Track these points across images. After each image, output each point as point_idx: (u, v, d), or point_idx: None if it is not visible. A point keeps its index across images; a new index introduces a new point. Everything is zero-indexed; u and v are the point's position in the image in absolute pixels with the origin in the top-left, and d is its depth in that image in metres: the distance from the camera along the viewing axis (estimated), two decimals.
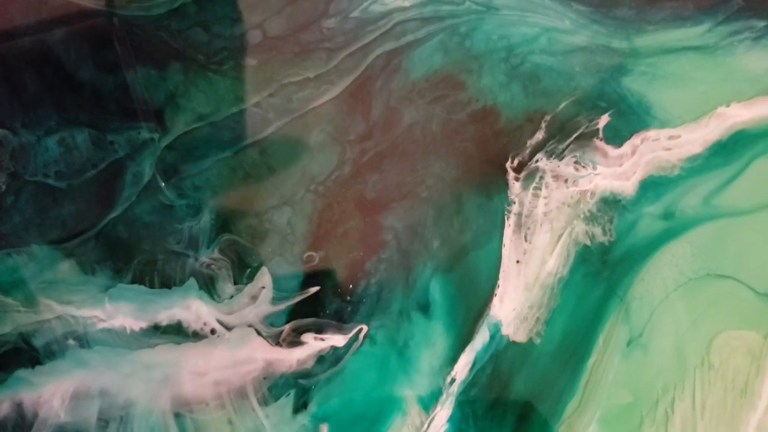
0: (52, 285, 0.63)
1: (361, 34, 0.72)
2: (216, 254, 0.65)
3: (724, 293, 0.68)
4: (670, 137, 0.72)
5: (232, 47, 0.71)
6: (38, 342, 0.61)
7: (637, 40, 0.75)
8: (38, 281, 0.63)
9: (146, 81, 0.70)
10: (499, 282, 0.66)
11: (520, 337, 0.65)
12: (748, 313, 0.67)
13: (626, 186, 0.70)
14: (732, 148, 0.72)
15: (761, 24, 0.76)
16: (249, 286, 0.64)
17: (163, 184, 0.67)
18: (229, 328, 0.63)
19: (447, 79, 0.72)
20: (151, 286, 0.63)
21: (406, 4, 0.74)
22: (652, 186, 0.70)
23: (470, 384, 0.64)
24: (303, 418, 0.62)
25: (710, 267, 0.69)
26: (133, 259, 0.64)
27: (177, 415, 0.61)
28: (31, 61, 0.67)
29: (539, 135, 0.70)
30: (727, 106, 0.74)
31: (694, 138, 0.73)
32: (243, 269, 0.64)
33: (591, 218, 0.69)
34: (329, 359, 0.63)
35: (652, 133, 0.71)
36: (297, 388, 0.63)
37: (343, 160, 0.68)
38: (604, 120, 0.71)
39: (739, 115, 0.74)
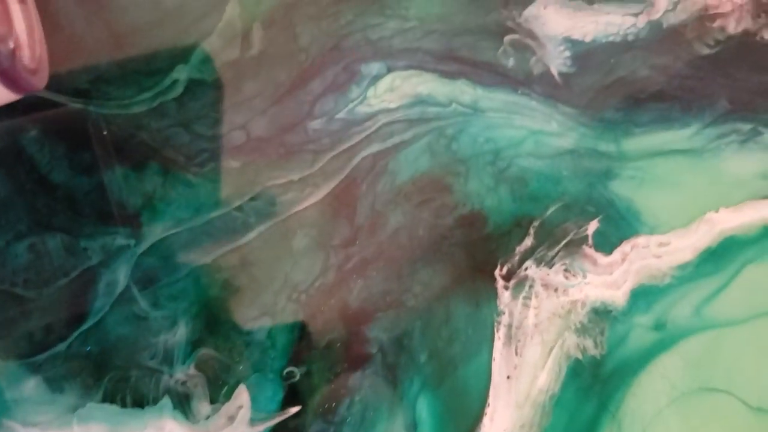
0: (17, 404, 0.60)
1: (347, 135, 0.72)
2: (192, 370, 0.63)
3: (717, 408, 0.68)
4: (660, 244, 0.72)
5: (214, 148, 0.70)
6: None
7: (624, 143, 0.76)
8: (1, 401, 0.60)
9: (123, 183, 0.68)
10: (490, 399, 0.65)
11: None
12: (741, 428, 0.66)
13: (617, 295, 0.69)
14: (722, 255, 0.72)
15: (747, 127, 0.78)
16: (226, 405, 0.62)
17: (138, 293, 0.64)
18: None
19: (433, 182, 0.72)
20: (123, 406, 0.61)
21: (393, 105, 0.73)
22: (642, 295, 0.70)
23: None
24: None
25: (702, 380, 0.68)
26: (104, 375, 0.62)
27: None
28: (1, 161, 0.64)
29: (528, 241, 0.70)
30: (716, 211, 0.74)
31: (684, 245, 0.72)
32: (220, 386, 0.63)
33: (582, 330, 0.68)
34: None
35: (641, 240, 0.71)
36: None
37: (327, 267, 0.67)
38: (593, 226, 0.71)
39: (728, 220, 0.75)
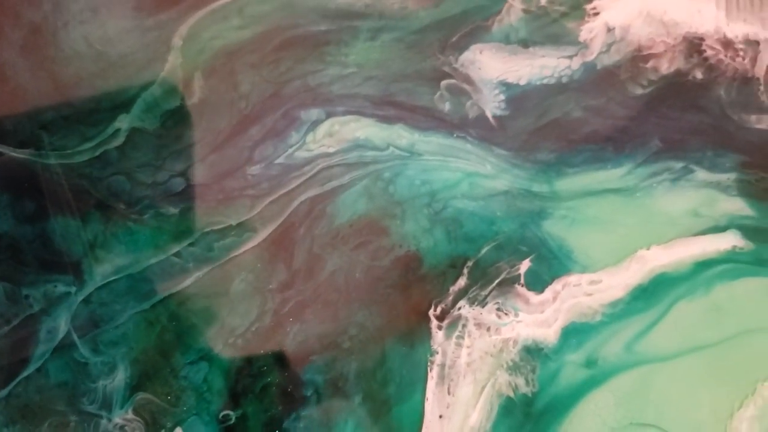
0: None
1: (285, 180, 0.78)
2: (130, 415, 0.69)
3: None
4: (591, 282, 0.78)
5: (154, 195, 0.76)
6: None
7: (557, 184, 0.82)
8: None
9: (65, 231, 0.74)
10: None
11: None
12: None
13: (548, 334, 0.76)
14: (653, 292, 0.79)
15: (679, 165, 0.85)
16: None
17: (78, 340, 0.70)
18: None
19: (371, 224, 0.78)
20: None
21: (331, 150, 0.80)
22: (574, 333, 0.76)
23: None
24: None
25: (633, 416, 0.74)
26: (44, 421, 0.67)
27: None
28: None
29: (461, 281, 0.76)
30: (648, 248, 0.81)
31: (615, 282, 0.79)
32: (158, 430, 0.67)
33: (514, 368, 0.74)
34: None
35: (573, 278, 0.78)
36: None
37: (264, 311, 0.73)
38: (525, 265, 0.77)
39: (659, 258, 0.81)
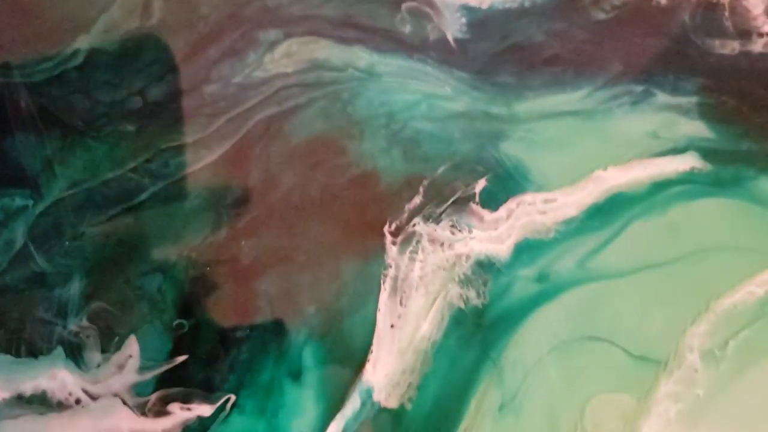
0: None
1: (242, 99, 0.81)
2: (85, 322, 0.72)
3: (598, 356, 0.76)
4: (546, 201, 0.81)
5: (112, 113, 0.79)
6: None
7: (516, 106, 0.85)
8: None
9: (24, 147, 0.77)
10: (373, 347, 0.73)
11: (392, 403, 0.72)
12: (622, 375, 0.76)
13: (501, 249, 0.78)
14: (608, 211, 0.81)
15: (640, 89, 0.87)
16: (116, 354, 0.71)
17: (35, 251, 0.72)
18: (94, 398, 0.69)
19: (328, 144, 0.80)
20: (18, 355, 0.69)
21: (289, 70, 0.82)
22: (527, 249, 0.78)
23: None
24: None
25: (584, 330, 0.77)
26: (0, 327, 0.69)
27: None
28: None
29: (417, 199, 0.78)
30: (605, 169, 0.82)
31: (570, 201, 0.81)
32: (111, 337, 0.71)
33: (466, 281, 0.77)
34: (195, 429, 0.68)
35: (527, 197, 0.80)
36: None
37: (219, 225, 0.76)
38: (480, 184, 0.80)
39: (616, 178, 0.83)
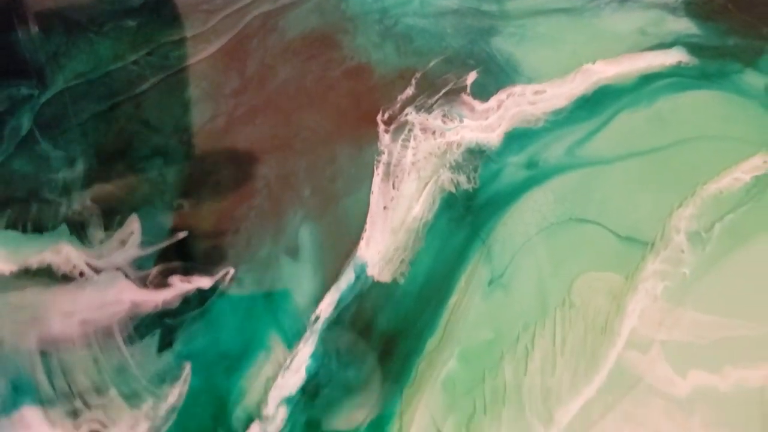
0: None
1: None
2: (88, 202, 0.76)
3: (587, 237, 0.80)
4: (536, 92, 0.85)
5: (114, 10, 0.83)
6: None
7: (507, 3, 0.90)
8: None
9: (29, 42, 0.81)
10: (367, 227, 0.78)
11: (385, 278, 0.77)
12: (609, 255, 0.80)
13: (491, 137, 0.83)
14: (597, 102, 0.85)
15: None
16: (119, 231, 0.75)
17: (40, 136, 0.77)
18: (97, 271, 0.74)
19: (322, 38, 0.85)
20: (24, 232, 0.74)
21: None
22: (516, 137, 0.83)
23: (334, 322, 0.75)
24: (167, 356, 0.73)
25: (573, 212, 0.81)
26: (7, 207, 0.74)
27: (43, 354, 0.71)
28: None
29: (409, 91, 0.83)
30: (593, 63, 0.86)
31: (559, 93, 0.86)
32: (114, 216, 0.76)
33: (456, 167, 0.81)
34: (195, 301, 0.74)
35: (518, 89, 0.84)
36: (162, 328, 0.73)
37: (217, 114, 0.80)
38: (472, 77, 0.84)
39: (604, 71, 0.88)
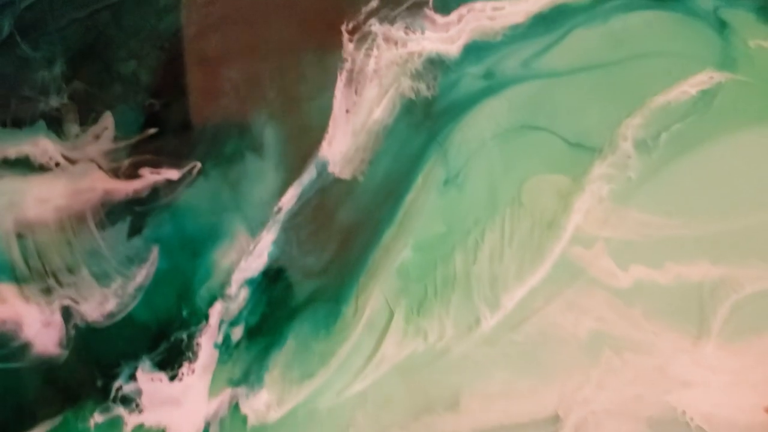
0: None
1: None
2: (65, 100, 0.82)
3: (538, 143, 0.87)
4: (495, 8, 0.92)
5: None
6: None
7: None
8: None
9: None
10: (329, 128, 0.84)
11: (346, 175, 0.83)
12: (559, 160, 0.87)
13: (451, 49, 0.89)
14: (553, 19, 0.92)
15: None
16: (93, 127, 0.82)
17: (19, 39, 0.83)
18: (72, 162, 0.81)
19: None
20: (4, 127, 0.80)
21: None
22: (475, 49, 0.89)
23: (296, 213, 0.82)
24: (137, 241, 0.80)
25: (526, 120, 0.88)
26: None
27: (19, 236, 0.77)
28: None
29: (374, 3, 0.89)
30: None
31: (517, 9, 0.92)
32: (89, 113, 0.82)
33: (417, 75, 0.87)
34: (164, 191, 0.80)
35: (478, 5, 0.92)
36: (132, 215, 0.80)
37: (189, 22, 0.86)
38: None
39: None
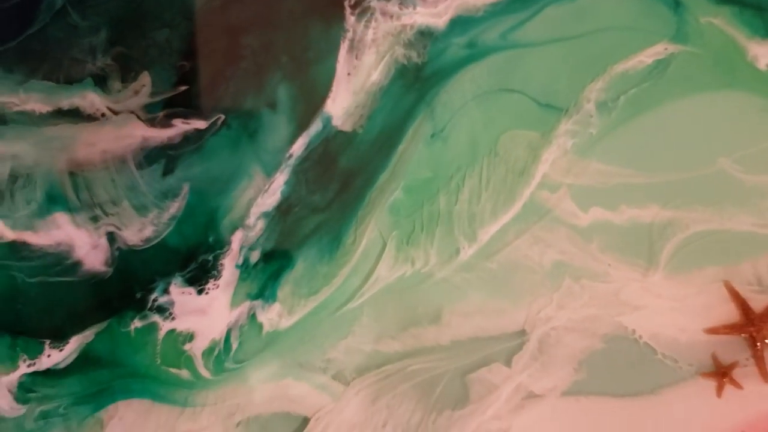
0: None
1: None
2: (109, 61, 1.02)
3: (512, 103, 1.06)
4: None
5: None
6: None
7: None
8: None
9: None
10: (333, 88, 1.03)
11: (347, 128, 1.03)
12: (531, 118, 1.06)
13: (439, 22, 1.09)
14: None
15: None
16: (133, 83, 1.01)
17: (71, 9, 1.02)
18: (115, 113, 1.00)
19: None
20: (58, 83, 0.99)
21: None
22: (459, 23, 1.09)
23: (304, 159, 1.02)
24: (170, 179, 0.99)
25: (502, 84, 1.07)
26: (45, 63, 1.00)
27: (71, 174, 0.97)
28: None
29: None
30: None
31: None
32: (129, 72, 1.01)
33: (409, 45, 1.07)
34: (193, 138, 1.00)
35: None
36: (166, 158, 1.00)
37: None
38: None
39: None
